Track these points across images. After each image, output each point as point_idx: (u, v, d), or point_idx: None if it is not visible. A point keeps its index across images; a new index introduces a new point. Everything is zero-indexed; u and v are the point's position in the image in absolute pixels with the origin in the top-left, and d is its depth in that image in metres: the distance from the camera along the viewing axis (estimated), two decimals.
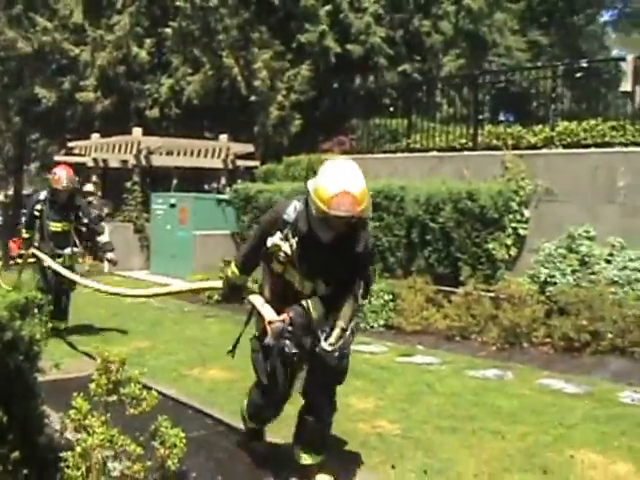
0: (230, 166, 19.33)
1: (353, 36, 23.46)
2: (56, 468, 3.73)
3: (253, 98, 22.00)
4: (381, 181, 11.91)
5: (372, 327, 9.96)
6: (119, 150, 18.18)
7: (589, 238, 9.68)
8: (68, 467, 3.63)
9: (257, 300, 4.53)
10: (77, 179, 9.95)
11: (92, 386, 3.92)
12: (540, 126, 12.36)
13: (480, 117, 13.57)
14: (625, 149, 10.46)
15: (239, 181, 17.21)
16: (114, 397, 3.91)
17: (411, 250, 11.28)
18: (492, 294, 9.51)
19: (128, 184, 17.08)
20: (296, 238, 4.20)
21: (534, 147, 11.75)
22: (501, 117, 22.91)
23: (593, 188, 10.23)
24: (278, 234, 4.24)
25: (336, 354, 4.18)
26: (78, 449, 3.67)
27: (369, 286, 4.49)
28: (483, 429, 5.64)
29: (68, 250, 9.34)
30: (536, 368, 7.78)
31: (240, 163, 19.71)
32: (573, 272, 9.28)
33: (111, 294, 7.34)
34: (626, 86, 11.13)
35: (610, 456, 5.03)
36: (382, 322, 10.10)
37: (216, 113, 22.39)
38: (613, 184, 10.06)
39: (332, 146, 17.95)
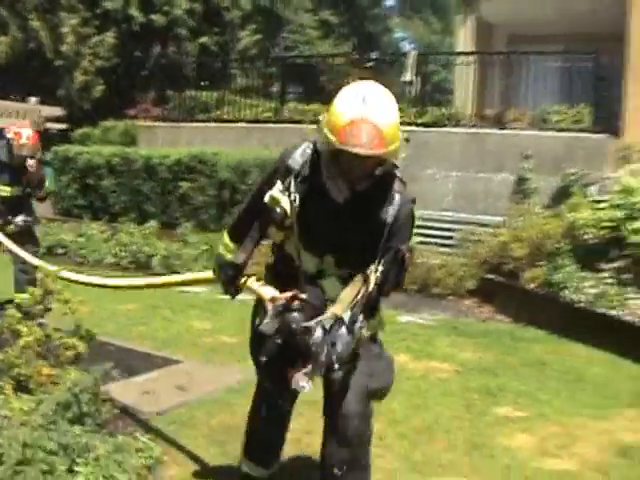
0: (40, 129, 19.81)
1: (157, 6, 24.40)
2: None
3: (59, 62, 22.55)
4: (195, 148, 13.55)
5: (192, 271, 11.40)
6: None
7: None
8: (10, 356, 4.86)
9: (254, 284, 3.39)
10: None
11: (26, 295, 5.16)
12: None
13: (285, 94, 15.46)
14: (407, 127, 12.59)
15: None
16: (45, 305, 5.18)
17: (222, 208, 12.92)
18: None
19: None
20: (300, 193, 3.08)
21: None
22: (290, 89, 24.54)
23: None
24: (278, 184, 3.09)
25: (323, 353, 2.88)
26: (21, 342, 4.85)
27: (400, 272, 3.15)
28: None
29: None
30: None
31: (50, 125, 20.20)
32: None
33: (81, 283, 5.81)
34: (408, 76, 13.22)
35: (394, 352, 6.91)
36: (201, 268, 11.55)
37: (22, 75, 22.64)
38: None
39: (137, 113, 18.86)
